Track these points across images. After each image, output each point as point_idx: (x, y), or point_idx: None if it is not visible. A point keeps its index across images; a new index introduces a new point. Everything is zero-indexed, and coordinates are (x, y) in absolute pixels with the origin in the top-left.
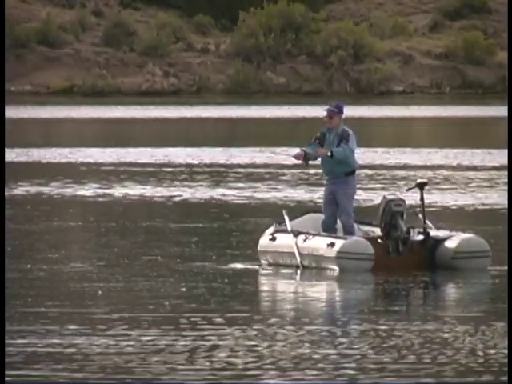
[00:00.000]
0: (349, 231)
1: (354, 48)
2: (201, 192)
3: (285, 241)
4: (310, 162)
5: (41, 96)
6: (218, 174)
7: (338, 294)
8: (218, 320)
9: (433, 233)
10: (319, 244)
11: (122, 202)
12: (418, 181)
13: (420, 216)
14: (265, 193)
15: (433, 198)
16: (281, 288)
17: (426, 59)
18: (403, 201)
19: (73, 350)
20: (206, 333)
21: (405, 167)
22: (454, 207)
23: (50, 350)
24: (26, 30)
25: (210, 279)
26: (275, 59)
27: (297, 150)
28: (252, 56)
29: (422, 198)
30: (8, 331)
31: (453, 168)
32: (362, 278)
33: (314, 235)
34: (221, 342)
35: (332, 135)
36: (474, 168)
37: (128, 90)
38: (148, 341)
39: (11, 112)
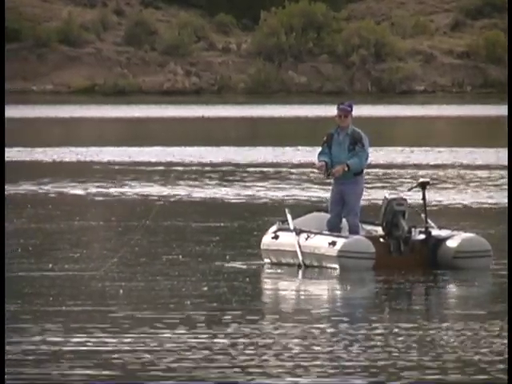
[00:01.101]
0: (354, 231)
1: (376, 47)
2: (222, 191)
3: (287, 239)
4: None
5: (62, 95)
6: (238, 173)
7: (358, 293)
8: (239, 319)
9: (434, 232)
10: (321, 243)
11: (142, 201)
12: (420, 180)
13: (422, 215)
14: (285, 191)
15: (441, 197)
16: (303, 287)
17: (447, 58)
18: (405, 200)
19: (93, 348)
20: (227, 331)
21: (419, 166)
22: (463, 206)
23: (71, 348)
24: (48, 30)
25: (232, 278)
26: (296, 58)
27: (317, 160)
28: (273, 55)
29: (423, 198)
30: (29, 329)
31: (464, 167)
32: (373, 278)
33: (316, 234)
34: (242, 340)
35: (342, 135)
36: (486, 167)
37: (149, 89)
38: (169, 340)
39: (32, 111)
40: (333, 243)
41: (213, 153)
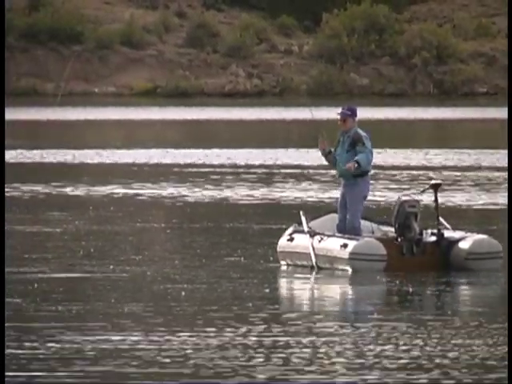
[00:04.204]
0: (352, 232)
1: (438, 49)
2: (283, 193)
3: (301, 241)
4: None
5: (124, 97)
6: (299, 175)
7: (393, 295)
8: (300, 320)
9: (447, 234)
10: (333, 245)
11: (204, 203)
12: (432, 182)
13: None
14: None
15: (456, 198)
16: (363, 290)
17: None
18: (417, 202)
19: (155, 347)
20: (288, 331)
21: (448, 168)
22: (477, 208)
23: (131, 346)
24: (110, 32)
25: (293, 280)
26: (358, 60)
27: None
28: (335, 57)
29: (435, 199)
30: (90, 328)
31: (489, 169)
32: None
33: (329, 236)
34: (303, 339)
35: (345, 138)
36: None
37: (211, 91)
38: (231, 340)
39: (94, 114)
40: (344, 245)
41: (275, 154)
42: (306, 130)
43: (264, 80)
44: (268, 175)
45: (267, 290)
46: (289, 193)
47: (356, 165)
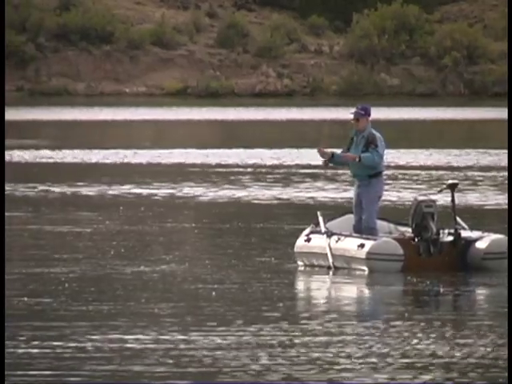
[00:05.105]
0: (368, 233)
1: (468, 49)
2: (314, 193)
3: (318, 242)
4: (331, 165)
5: (155, 97)
6: (330, 175)
7: (420, 296)
8: (328, 320)
9: (464, 233)
10: (350, 245)
11: (235, 204)
12: (449, 182)
13: (458, 218)
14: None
15: (474, 198)
16: (392, 291)
17: None
18: (434, 202)
19: (185, 346)
20: (315, 331)
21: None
22: (493, 207)
23: (160, 345)
24: (141, 32)
25: (323, 281)
26: (389, 61)
27: (328, 150)
28: (366, 57)
29: (452, 199)
30: (122, 328)
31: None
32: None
33: (346, 236)
34: (334, 338)
35: (359, 138)
36: None
37: (242, 91)
38: (261, 340)
39: (125, 114)
40: (361, 245)
41: (304, 155)
42: (337, 130)
43: (294, 80)
44: (299, 175)
45: (296, 290)
46: (320, 193)
47: (357, 159)
